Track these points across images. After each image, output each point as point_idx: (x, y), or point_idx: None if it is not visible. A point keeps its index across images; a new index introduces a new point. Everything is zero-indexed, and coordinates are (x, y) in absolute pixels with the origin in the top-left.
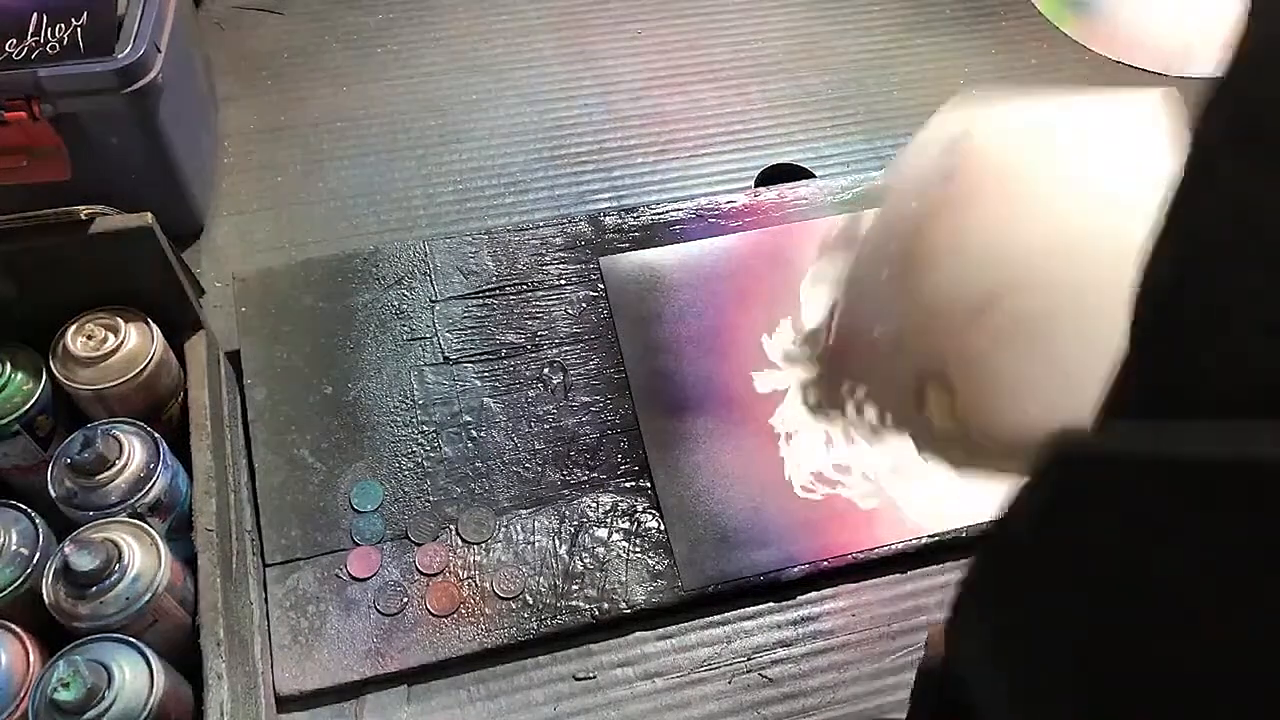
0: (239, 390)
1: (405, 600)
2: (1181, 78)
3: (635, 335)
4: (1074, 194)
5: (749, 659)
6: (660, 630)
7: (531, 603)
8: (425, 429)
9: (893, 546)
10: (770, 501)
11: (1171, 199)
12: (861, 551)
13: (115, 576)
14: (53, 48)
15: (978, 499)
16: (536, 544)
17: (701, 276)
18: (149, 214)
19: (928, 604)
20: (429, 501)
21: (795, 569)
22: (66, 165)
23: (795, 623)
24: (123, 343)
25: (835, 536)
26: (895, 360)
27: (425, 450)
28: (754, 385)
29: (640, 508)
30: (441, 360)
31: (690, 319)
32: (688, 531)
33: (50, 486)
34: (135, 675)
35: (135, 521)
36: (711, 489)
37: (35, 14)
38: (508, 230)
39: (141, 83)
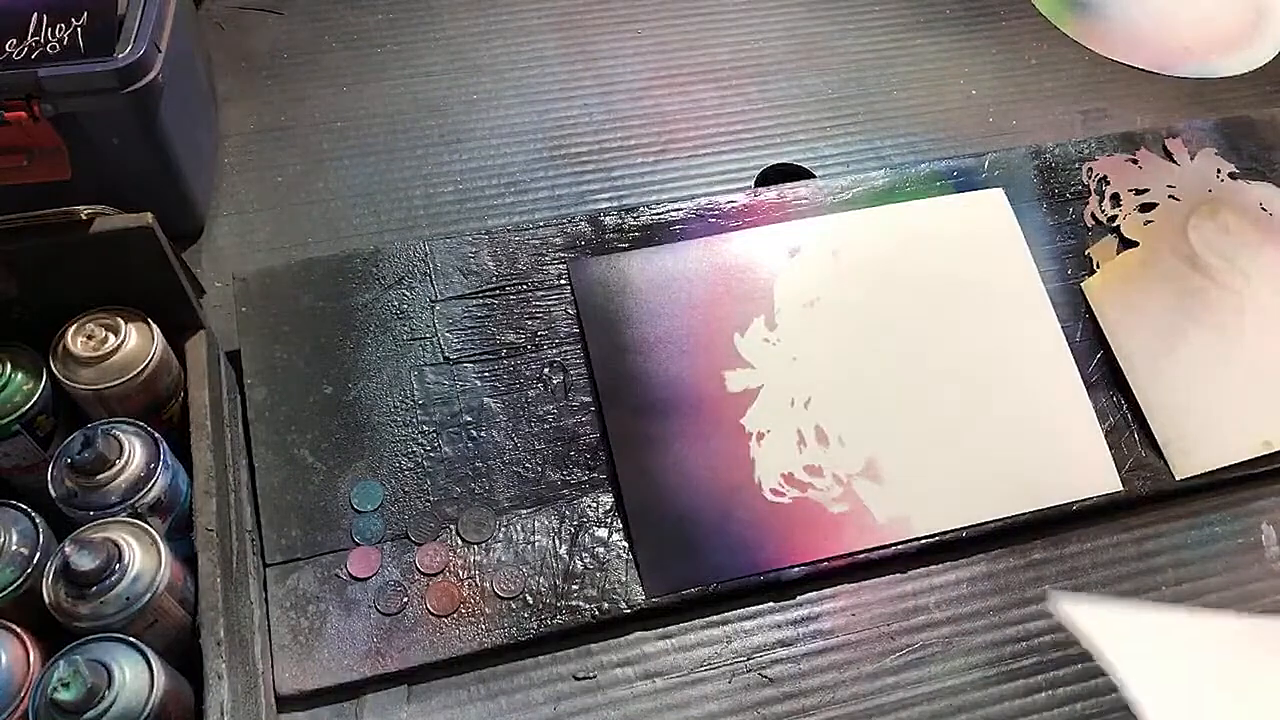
0: (239, 390)
1: (405, 600)
2: (1181, 78)
3: (605, 335)
4: None
5: (749, 659)
6: (660, 630)
7: (531, 603)
8: (425, 429)
9: (892, 547)
10: (749, 502)
11: None
12: (861, 551)
13: (115, 576)
14: (53, 48)
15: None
16: (536, 544)
17: (671, 277)
18: (149, 214)
19: (927, 604)
20: (429, 501)
21: (795, 569)
22: (66, 165)
23: (795, 623)
24: (123, 343)
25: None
26: None
27: (425, 450)
28: (725, 385)
29: None
30: (441, 360)
31: (664, 320)
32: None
33: (50, 486)
34: (135, 675)
35: (135, 521)
36: (678, 490)
37: (35, 14)
38: (508, 230)
39: (141, 83)
